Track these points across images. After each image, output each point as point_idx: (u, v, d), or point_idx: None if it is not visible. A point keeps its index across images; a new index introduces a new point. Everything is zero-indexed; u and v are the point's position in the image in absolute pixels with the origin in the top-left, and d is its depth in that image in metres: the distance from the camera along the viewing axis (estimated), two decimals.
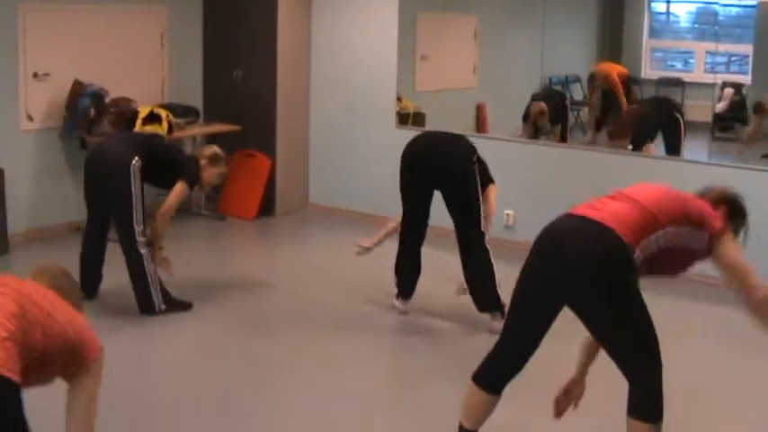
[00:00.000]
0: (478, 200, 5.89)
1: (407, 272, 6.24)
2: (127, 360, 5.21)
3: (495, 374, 3.75)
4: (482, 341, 5.17)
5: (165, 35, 8.68)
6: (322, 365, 5.37)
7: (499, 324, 5.06)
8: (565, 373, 3.97)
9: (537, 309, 3.65)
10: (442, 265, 6.50)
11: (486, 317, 5.93)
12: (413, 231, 6.15)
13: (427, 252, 6.26)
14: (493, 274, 5.86)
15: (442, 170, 5.95)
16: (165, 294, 5.97)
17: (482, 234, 5.90)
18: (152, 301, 5.90)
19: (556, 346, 3.99)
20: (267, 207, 8.91)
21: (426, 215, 6.13)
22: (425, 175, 6.01)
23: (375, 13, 8.68)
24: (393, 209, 8.65)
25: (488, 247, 5.91)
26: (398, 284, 6.28)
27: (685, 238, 3.53)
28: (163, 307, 5.92)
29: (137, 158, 5.87)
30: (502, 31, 8.69)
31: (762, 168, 7.14)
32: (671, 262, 3.65)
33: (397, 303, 6.28)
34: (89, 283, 6.16)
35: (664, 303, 4.40)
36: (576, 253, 3.46)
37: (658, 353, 3.52)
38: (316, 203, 9.23)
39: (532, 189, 7.84)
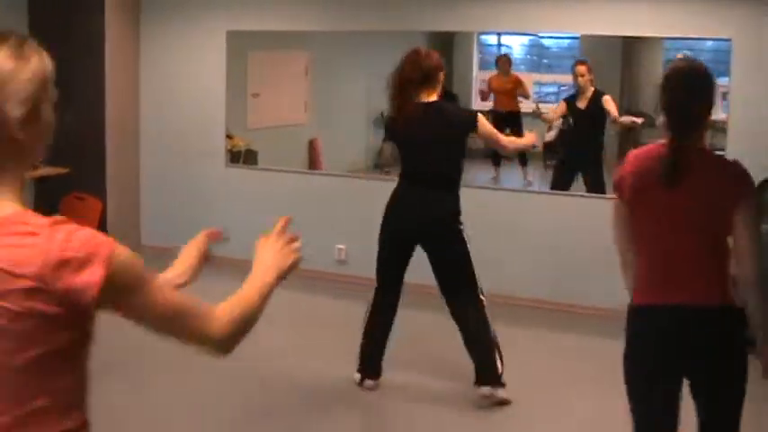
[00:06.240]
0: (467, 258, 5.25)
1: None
2: None
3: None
4: None
5: None
6: (149, 415, 5.21)
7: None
8: None
9: None
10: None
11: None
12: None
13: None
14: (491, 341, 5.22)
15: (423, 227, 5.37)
16: None
17: (475, 294, 5.24)
18: None
19: None
20: None
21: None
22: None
23: (204, 51, 8.67)
24: (223, 247, 8.52)
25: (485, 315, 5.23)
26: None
27: None
28: None
29: None
30: (332, 67, 8.72)
31: (589, 195, 7.33)
32: None
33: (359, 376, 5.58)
34: None
35: None
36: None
37: None
38: (148, 245, 9.04)
39: (365, 224, 7.79)
